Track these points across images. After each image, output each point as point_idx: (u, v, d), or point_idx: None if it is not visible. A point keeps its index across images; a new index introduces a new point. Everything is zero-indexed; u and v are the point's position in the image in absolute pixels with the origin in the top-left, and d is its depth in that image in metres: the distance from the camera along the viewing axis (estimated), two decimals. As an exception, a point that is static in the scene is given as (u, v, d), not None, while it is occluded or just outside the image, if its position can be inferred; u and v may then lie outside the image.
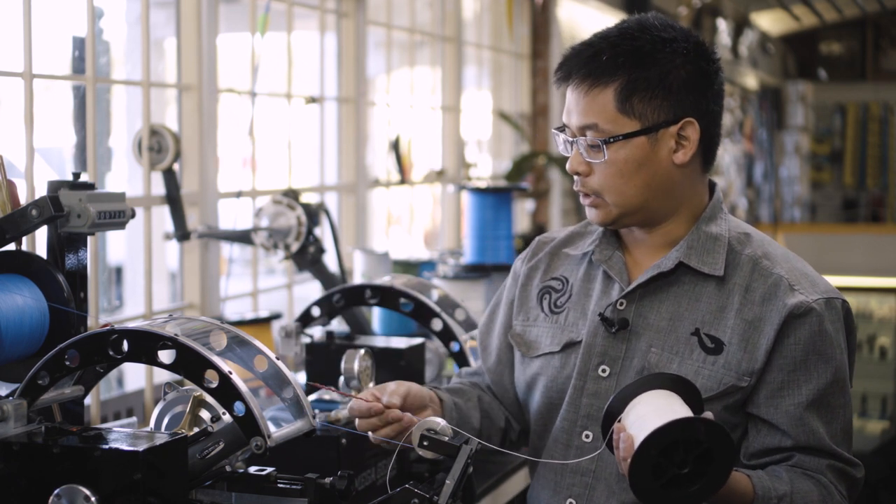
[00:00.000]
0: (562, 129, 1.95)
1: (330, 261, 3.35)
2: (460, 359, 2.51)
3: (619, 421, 1.71)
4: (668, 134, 1.88)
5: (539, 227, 5.95)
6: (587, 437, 1.94)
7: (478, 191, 3.72)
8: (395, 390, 1.91)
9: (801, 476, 1.84)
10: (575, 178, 1.94)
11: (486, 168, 5.97)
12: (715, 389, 1.86)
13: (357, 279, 3.45)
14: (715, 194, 1.99)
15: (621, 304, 1.94)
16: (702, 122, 1.90)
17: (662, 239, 1.96)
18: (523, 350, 2.06)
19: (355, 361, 2.27)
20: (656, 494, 1.63)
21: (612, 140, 1.86)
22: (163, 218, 3.42)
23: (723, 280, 1.90)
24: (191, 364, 1.66)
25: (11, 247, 1.98)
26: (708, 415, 1.68)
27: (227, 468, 1.75)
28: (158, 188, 3.19)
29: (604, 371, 1.93)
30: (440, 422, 1.83)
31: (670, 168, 1.90)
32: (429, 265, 3.77)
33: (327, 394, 2.35)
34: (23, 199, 2.11)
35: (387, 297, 2.55)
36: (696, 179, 1.96)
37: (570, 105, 1.92)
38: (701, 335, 1.88)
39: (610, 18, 6.15)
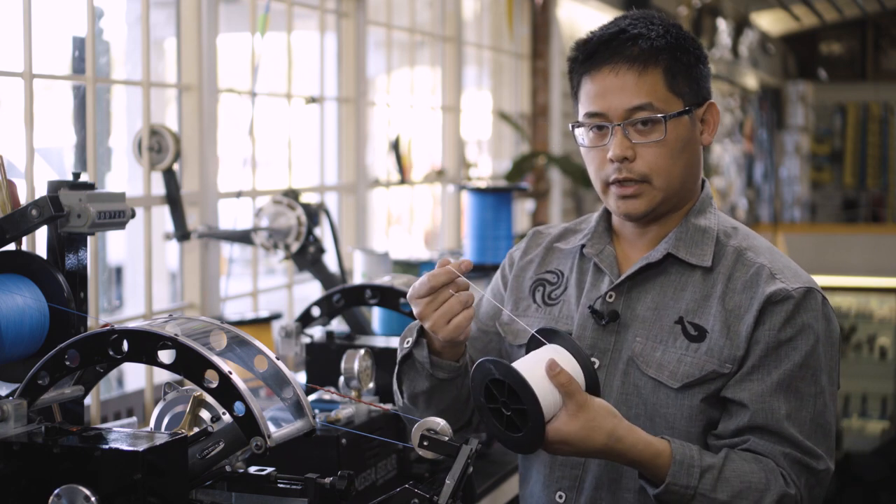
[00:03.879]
0: (579, 124, 1.95)
1: (330, 261, 3.35)
2: (460, 359, 2.51)
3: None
4: (697, 116, 1.94)
5: (539, 227, 5.94)
6: None
7: (478, 191, 3.72)
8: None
9: (746, 458, 1.82)
10: (614, 166, 1.91)
11: (486, 168, 5.97)
12: (696, 375, 1.86)
13: (357, 279, 3.45)
14: (704, 189, 2.01)
15: (610, 296, 1.96)
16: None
17: (655, 233, 1.98)
18: (510, 338, 2.07)
19: (355, 361, 2.27)
20: (505, 438, 1.79)
21: (670, 117, 1.88)
22: (163, 218, 3.42)
23: (709, 270, 1.92)
24: (191, 364, 1.66)
25: (11, 247, 1.98)
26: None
27: (227, 468, 1.75)
28: (158, 188, 3.19)
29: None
30: (440, 422, 1.82)
31: (700, 150, 1.97)
32: (429, 265, 3.77)
33: (327, 394, 2.35)
34: (23, 199, 2.11)
35: (387, 297, 2.55)
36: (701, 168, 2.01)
37: (612, 89, 1.90)
38: (685, 323, 1.90)
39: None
